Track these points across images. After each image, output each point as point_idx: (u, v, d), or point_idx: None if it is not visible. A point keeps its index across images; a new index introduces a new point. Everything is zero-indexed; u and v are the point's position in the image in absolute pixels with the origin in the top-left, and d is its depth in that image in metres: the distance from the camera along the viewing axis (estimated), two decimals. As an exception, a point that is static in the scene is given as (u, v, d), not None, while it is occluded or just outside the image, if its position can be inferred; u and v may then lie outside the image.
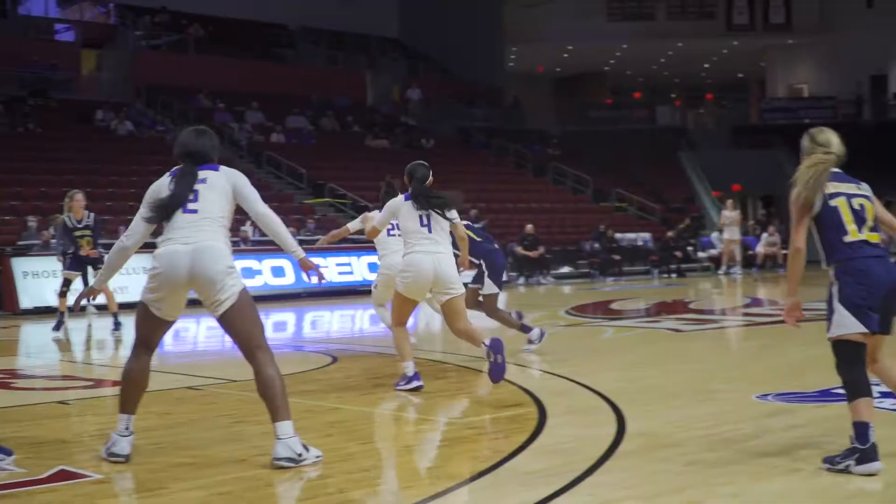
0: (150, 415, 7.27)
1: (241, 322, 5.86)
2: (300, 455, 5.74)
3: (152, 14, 37.58)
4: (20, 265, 19.65)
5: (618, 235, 30.95)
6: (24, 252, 20.36)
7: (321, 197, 29.77)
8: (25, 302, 19.27)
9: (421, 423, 6.92)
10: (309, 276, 6.34)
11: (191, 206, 5.94)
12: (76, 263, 14.69)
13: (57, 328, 14.57)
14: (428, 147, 36.36)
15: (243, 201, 6.09)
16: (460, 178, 32.85)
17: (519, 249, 27.20)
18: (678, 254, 30.01)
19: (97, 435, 6.73)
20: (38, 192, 24.74)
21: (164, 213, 5.96)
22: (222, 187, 6.04)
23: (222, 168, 6.16)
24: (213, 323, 16.01)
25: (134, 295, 19.38)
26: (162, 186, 6.09)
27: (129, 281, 18.22)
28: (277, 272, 22.14)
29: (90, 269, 14.72)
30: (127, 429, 5.98)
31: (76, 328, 16.18)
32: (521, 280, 27.07)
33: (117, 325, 14.62)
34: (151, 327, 6.04)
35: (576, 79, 48.25)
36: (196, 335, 15.98)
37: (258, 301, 6.23)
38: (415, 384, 8.43)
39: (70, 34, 37.36)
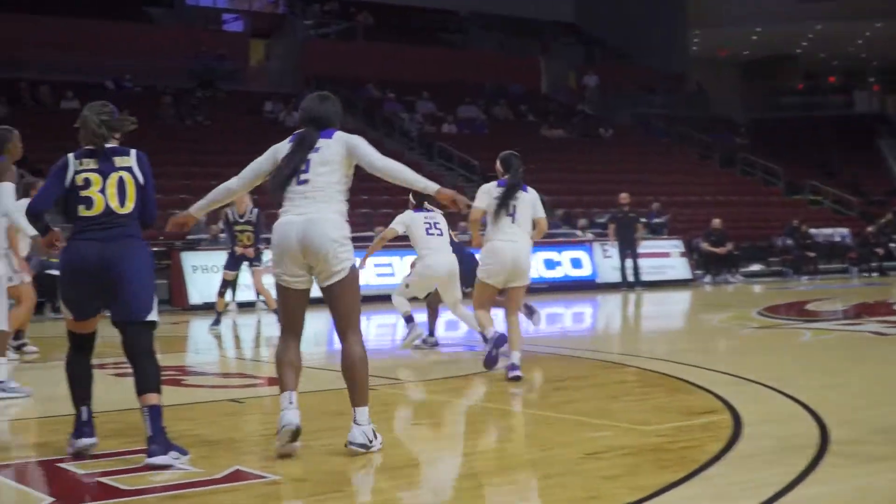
0: (322, 415, 7.38)
1: (343, 298, 6.18)
2: (371, 442, 6.08)
3: (321, 2, 38.34)
4: (189, 259, 20.31)
5: (812, 231, 30.13)
6: (193, 246, 21.03)
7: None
8: (194, 297, 19.90)
9: (603, 430, 6.83)
10: (447, 206, 6.43)
11: (303, 176, 6.23)
12: (232, 261, 15.08)
13: (215, 324, 15.04)
14: (606, 136, 36.07)
15: (360, 160, 6.29)
16: (640, 170, 32.48)
17: (705, 245, 26.72)
18: (879, 251, 29.04)
19: (270, 434, 6.87)
20: (207, 184, 25.39)
21: (276, 184, 6.27)
22: (336, 153, 6.28)
23: (337, 133, 6.35)
24: (383, 320, 16.27)
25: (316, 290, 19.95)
26: (279, 150, 6.41)
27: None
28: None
29: (245, 266, 15.12)
30: (290, 402, 6.20)
31: (245, 324, 16.63)
32: (708, 278, 26.59)
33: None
34: (290, 305, 6.33)
35: (764, 63, 47.16)
36: (367, 332, 16.21)
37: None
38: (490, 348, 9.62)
39: (238, 24, 38.44)
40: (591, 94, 40.18)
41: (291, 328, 6.39)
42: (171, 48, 32.70)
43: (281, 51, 37.31)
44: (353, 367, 6.22)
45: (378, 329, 16.36)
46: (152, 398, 6.07)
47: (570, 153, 33.68)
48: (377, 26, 38.07)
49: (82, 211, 6.16)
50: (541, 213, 9.60)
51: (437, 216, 11.72)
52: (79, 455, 6.18)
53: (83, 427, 6.23)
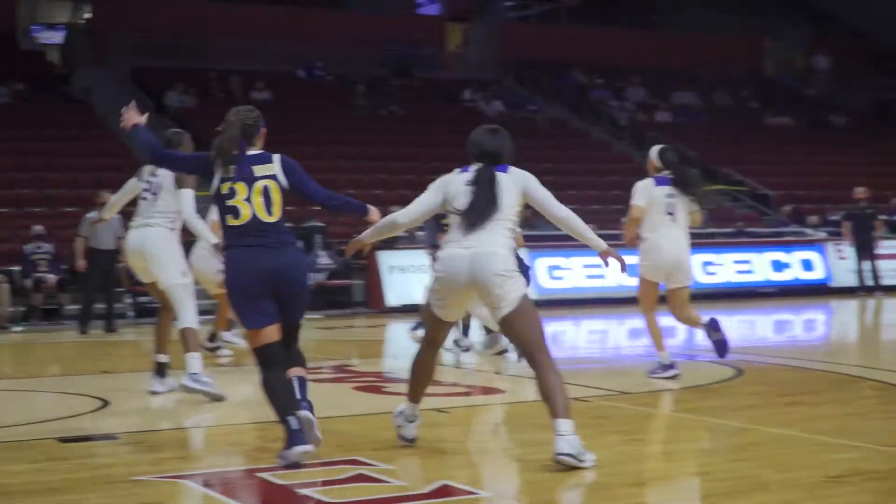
0: (538, 427, 7.37)
1: (518, 328, 6.54)
2: (580, 454, 6.21)
3: (523, -18, 38.42)
4: (386, 259, 20.59)
5: None
6: (391, 245, 21.31)
7: (714, 183, 29.35)
8: (392, 299, 20.16)
9: (847, 451, 6.63)
10: (607, 264, 6.83)
11: (476, 207, 6.61)
12: None
13: (417, 328, 15.16)
14: (839, 124, 35.06)
15: (535, 202, 6.73)
16: (877, 161, 31.45)
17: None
18: None
19: (477, 448, 6.91)
20: (405, 179, 25.85)
21: (473, 221, 6.58)
22: (510, 189, 6.66)
23: (511, 169, 6.75)
24: (594, 326, 16.17)
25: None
26: (453, 183, 6.79)
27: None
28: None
29: None
30: (413, 415, 6.93)
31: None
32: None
33: (488, 329, 14.99)
34: (436, 326, 6.87)
35: None
36: (575, 339, 16.18)
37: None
38: (671, 373, 9.98)
39: (434, 7, 38.83)
40: (822, 77, 39.10)
41: (432, 342, 6.97)
42: (364, 35, 33.22)
43: (479, 35, 37.51)
44: (550, 389, 6.46)
45: (589, 335, 16.33)
46: (300, 371, 6.94)
47: (797, 143, 32.85)
48: (583, 7, 37.91)
49: (230, 220, 6.68)
50: (695, 206, 10.03)
51: None
52: (292, 465, 6.34)
53: (295, 435, 6.44)
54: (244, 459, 6.91)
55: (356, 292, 21.02)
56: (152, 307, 10.10)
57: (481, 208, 6.58)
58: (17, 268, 18.81)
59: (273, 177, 6.75)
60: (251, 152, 6.83)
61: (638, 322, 17.53)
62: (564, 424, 6.27)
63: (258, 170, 6.74)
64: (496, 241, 6.54)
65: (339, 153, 26.69)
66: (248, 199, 6.66)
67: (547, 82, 34.51)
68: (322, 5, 34.69)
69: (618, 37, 36.39)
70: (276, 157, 6.85)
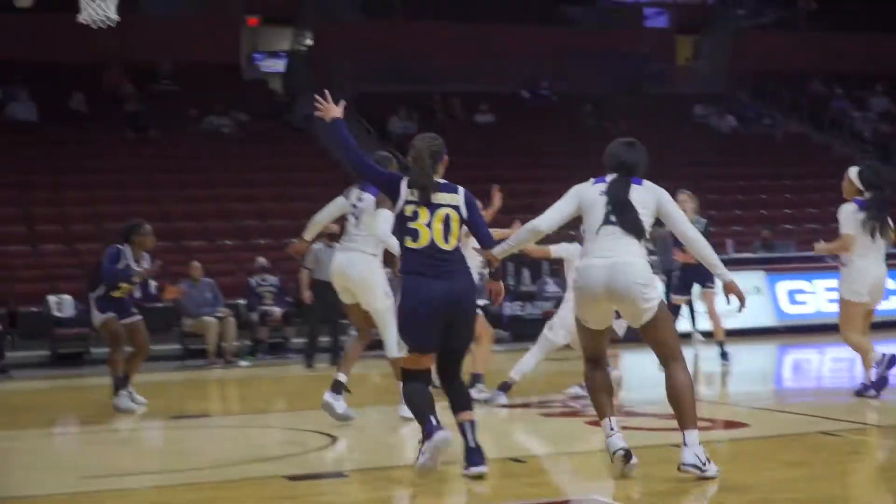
0: (781, 464, 7.18)
1: (656, 334, 7.01)
2: (704, 465, 6.80)
3: (756, -12, 37.66)
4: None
5: None
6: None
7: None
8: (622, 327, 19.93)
9: None
10: (729, 300, 7.15)
11: (612, 217, 7.02)
12: (681, 284, 14.95)
13: None
14: None
15: (667, 217, 7.15)
16: None
17: None
18: None
19: (721, 486, 6.77)
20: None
21: (594, 226, 7.07)
22: (644, 202, 7.07)
23: (646, 183, 7.18)
24: (840, 354, 15.68)
25: (747, 320, 19.49)
26: (588, 192, 7.20)
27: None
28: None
29: (698, 287, 14.90)
30: (612, 429, 7.20)
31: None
32: None
33: (724, 356, 14.72)
34: (589, 338, 7.28)
35: None
36: (820, 368, 15.75)
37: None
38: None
39: (662, 19, 38.48)
40: None
41: (592, 358, 7.31)
42: (590, 50, 33.13)
43: (710, 47, 37.00)
44: (678, 394, 6.99)
45: (833, 363, 15.84)
46: (470, 415, 7.27)
47: None
48: (821, 11, 36.95)
49: (409, 242, 7.20)
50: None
51: None
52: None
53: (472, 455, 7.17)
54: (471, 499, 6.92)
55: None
56: (377, 340, 10.22)
57: (618, 218, 7.01)
58: (242, 301, 19.31)
59: (456, 207, 7.29)
60: (439, 180, 7.35)
61: (887, 349, 16.93)
62: (690, 435, 6.88)
63: (443, 198, 7.29)
64: (632, 251, 6.97)
65: (566, 175, 26.53)
66: (429, 225, 7.19)
67: (784, 94, 33.74)
68: (546, 23, 34.81)
69: (860, 42, 35.27)
70: (461, 190, 7.40)
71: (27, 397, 13.82)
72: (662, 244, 15.83)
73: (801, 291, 20.52)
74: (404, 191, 7.26)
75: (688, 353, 16.51)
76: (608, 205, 7.03)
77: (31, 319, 18.67)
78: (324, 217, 10.44)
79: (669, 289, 15.60)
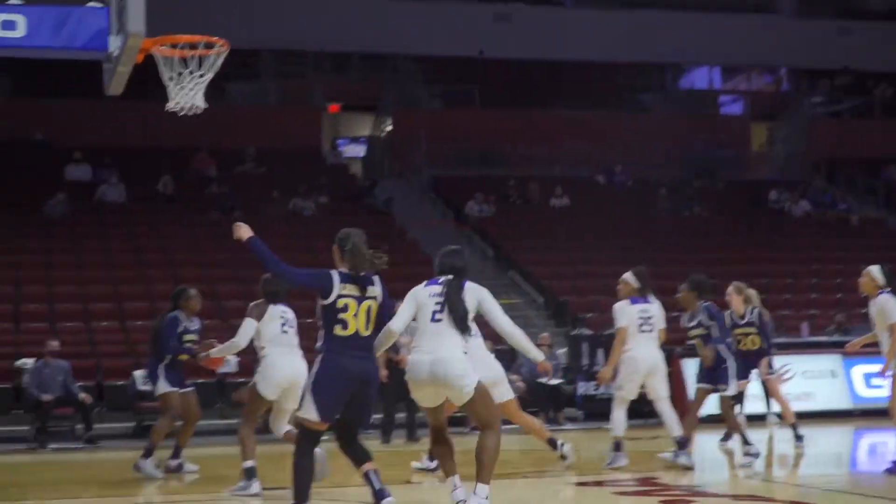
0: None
1: (475, 407, 8.38)
2: None
3: (831, 76, 37.49)
4: (691, 367, 20.23)
5: None
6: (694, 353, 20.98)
7: None
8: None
9: None
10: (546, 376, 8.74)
11: (437, 316, 8.38)
12: (741, 370, 14.82)
13: (725, 439, 14.83)
14: None
15: (487, 315, 8.46)
16: None
17: None
18: None
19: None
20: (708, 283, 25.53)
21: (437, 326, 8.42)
22: (469, 301, 8.39)
23: (470, 284, 8.48)
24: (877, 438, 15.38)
25: (822, 403, 19.22)
26: (421, 293, 8.57)
27: (814, 387, 18.15)
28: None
29: (755, 371, 14.78)
30: (456, 486, 8.59)
31: (758, 440, 16.36)
32: None
33: (799, 438, 14.55)
34: (429, 413, 8.76)
35: None
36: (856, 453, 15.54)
37: None
38: None
39: (737, 106, 38.52)
40: None
41: (436, 429, 8.84)
42: (665, 137, 33.17)
43: (785, 133, 36.90)
44: (481, 452, 8.31)
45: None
46: (373, 464, 8.22)
47: None
48: (896, 99, 36.79)
49: (338, 330, 8.03)
50: None
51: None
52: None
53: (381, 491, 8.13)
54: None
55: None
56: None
57: (449, 316, 8.28)
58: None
59: (375, 297, 8.18)
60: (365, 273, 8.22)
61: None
62: (481, 488, 8.17)
63: (369, 290, 8.19)
64: (453, 345, 8.28)
65: (640, 258, 26.51)
66: (355, 315, 8.07)
67: (859, 180, 33.53)
68: (622, 109, 34.99)
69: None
70: (377, 279, 8.25)
71: (114, 466, 13.99)
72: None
73: (876, 375, 20.18)
74: (337, 284, 8.09)
75: (762, 434, 16.39)
76: (437, 304, 8.32)
77: (117, 392, 19.10)
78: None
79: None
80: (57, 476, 13.62)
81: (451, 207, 29.55)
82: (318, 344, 8.42)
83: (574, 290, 24.67)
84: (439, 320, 8.25)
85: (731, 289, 14.56)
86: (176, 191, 27.67)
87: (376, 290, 8.22)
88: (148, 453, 12.14)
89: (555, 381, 19.67)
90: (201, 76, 10.09)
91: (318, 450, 11.11)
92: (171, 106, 10.24)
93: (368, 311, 8.12)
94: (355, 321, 8.05)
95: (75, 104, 28.54)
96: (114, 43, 9.16)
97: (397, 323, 8.33)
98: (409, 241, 26.94)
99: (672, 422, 12.11)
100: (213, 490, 11.33)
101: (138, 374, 18.25)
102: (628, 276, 12.36)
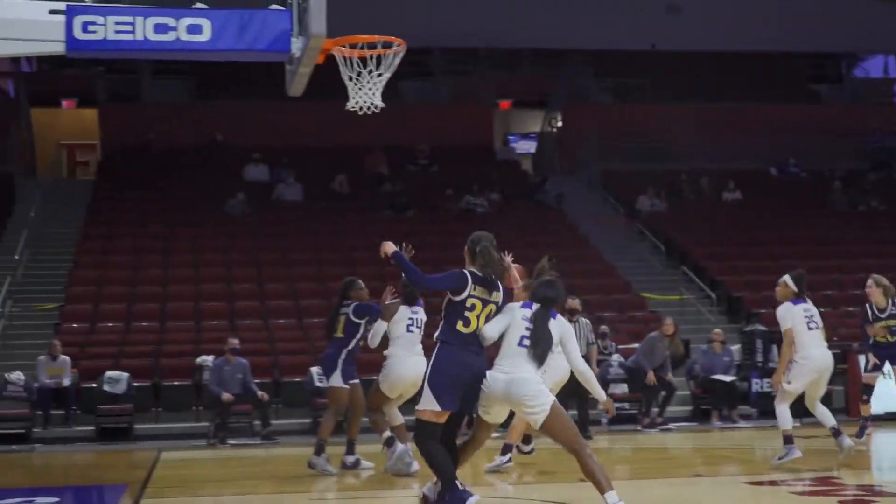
0: None
1: (553, 430, 8.23)
2: None
3: None
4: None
5: None
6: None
7: None
8: (874, 406, 19.28)
9: None
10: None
11: (524, 341, 8.36)
12: (880, 359, 14.46)
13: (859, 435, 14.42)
14: None
15: (563, 348, 8.49)
16: None
17: None
18: None
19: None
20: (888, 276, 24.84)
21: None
22: (553, 333, 8.42)
23: (558, 317, 8.50)
24: None
25: None
26: (516, 311, 8.57)
27: None
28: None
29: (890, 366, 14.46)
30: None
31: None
32: None
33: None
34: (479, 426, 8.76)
35: None
36: None
37: None
38: None
39: (914, 95, 37.47)
40: None
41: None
42: (841, 128, 32.41)
43: (966, 121, 35.73)
44: (590, 474, 8.11)
45: None
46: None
47: None
48: None
49: (460, 326, 8.37)
50: None
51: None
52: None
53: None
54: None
55: (836, 398, 20.25)
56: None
57: (532, 343, 8.31)
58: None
59: (497, 303, 8.52)
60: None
61: None
62: (610, 496, 7.89)
63: (494, 295, 8.52)
64: (528, 368, 8.27)
65: (815, 252, 26.02)
66: (478, 316, 8.42)
67: None
68: (795, 100, 34.30)
69: None
70: (501, 287, 8.62)
71: (290, 462, 14.18)
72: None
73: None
74: (470, 284, 8.42)
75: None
76: (526, 329, 8.35)
77: (294, 389, 19.43)
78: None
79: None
80: (235, 472, 13.84)
81: (622, 203, 29.34)
82: (437, 335, 8.49)
83: (747, 285, 24.24)
84: (525, 346, 8.35)
85: (870, 281, 14.48)
86: (351, 189, 28.04)
87: (500, 295, 8.58)
88: (319, 450, 12.21)
89: (728, 378, 19.37)
90: (379, 76, 10.19)
91: (402, 446, 11.68)
92: (350, 105, 10.35)
93: (490, 313, 8.48)
94: (477, 321, 8.41)
95: (254, 105, 29.19)
96: (296, 44, 9.33)
97: (492, 330, 8.47)
98: (580, 237, 26.84)
99: (827, 416, 12.29)
100: (388, 486, 11.43)
101: (315, 370, 18.51)
102: (787, 278, 12.16)
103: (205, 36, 9.27)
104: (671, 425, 18.44)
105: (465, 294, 8.40)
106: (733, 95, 32.98)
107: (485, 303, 8.45)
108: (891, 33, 33.74)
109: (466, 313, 8.40)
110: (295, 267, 24.38)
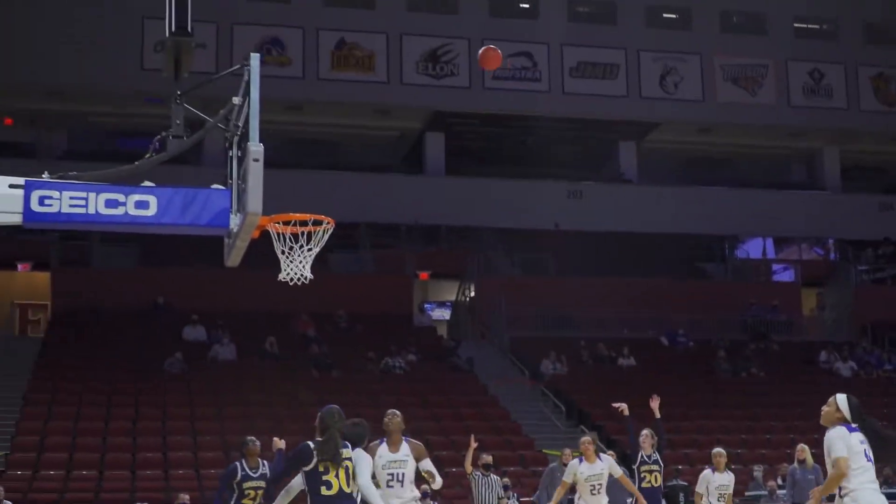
0: None
1: None
2: None
3: (874, 246, 37.42)
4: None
5: None
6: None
7: None
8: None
9: None
10: None
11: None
12: None
13: None
14: None
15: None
16: None
17: None
18: None
19: None
20: (763, 439, 25.20)
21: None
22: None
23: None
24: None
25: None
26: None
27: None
28: None
29: None
30: None
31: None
32: None
33: None
34: None
35: None
36: None
37: None
38: None
39: (789, 274, 38.37)
40: None
41: None
42: (724, 302, 33.15)
43: (834, 299, 36.67)
44: None
45: None
46: None
47: None
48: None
49: (323, 490, 8.36)
50: None
51: None
52: None
53: None
54: None
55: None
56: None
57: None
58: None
59: (350, 458, 8.63)
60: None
61: None
62: None
63: (344, 453, 8.57)
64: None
65: (704, 414, 26.40)
66: (336, 476, 8.43)
67: (898, 342, 33.16)
68: (682, 278, 34.98)
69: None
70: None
71: None
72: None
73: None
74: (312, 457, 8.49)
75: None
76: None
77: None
78: None
79: None
80: None
81: (528, 366, 29.54)
82: None
83: (641, 443, 24.37)
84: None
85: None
86: (280, 350, 27.99)
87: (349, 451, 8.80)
88: None
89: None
90: (310, 250, 10.34)
91: None
92: (282, 276, 10.47)
93: (347, 471, 8.60)
94: (336, 481, 8.50)
95: (194, 272, 29.19)
96: (234, 221, 9.44)
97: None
98: (489, 398, 26.93)
99: None
100: None
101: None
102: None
103: (151, 211, 9.37)
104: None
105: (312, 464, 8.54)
106: (629, 271, 33.59)
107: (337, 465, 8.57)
108: (769, 218, 34.75)
109: (324, 477, 8.52)
110: (227, 421, 24.13)
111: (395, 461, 10.14)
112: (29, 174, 8.99)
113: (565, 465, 18.62)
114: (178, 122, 9.21)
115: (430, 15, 34.53)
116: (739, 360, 30.80)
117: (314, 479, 8.46)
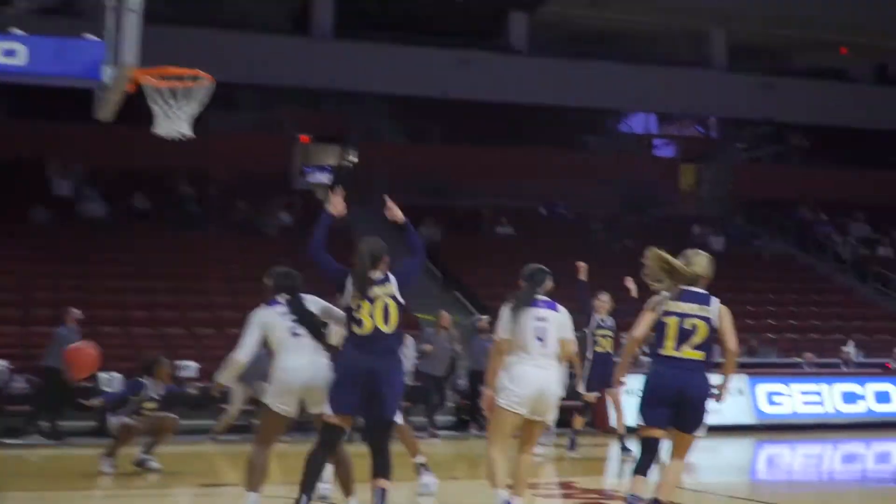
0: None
1: None
2: None
3: (754, 126, 38.18)
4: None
5: None
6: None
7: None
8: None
9: None
10: None
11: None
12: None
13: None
14: None
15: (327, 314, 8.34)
16: None
17: None
18: None
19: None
20: (637, 306, 25.89)
21: None
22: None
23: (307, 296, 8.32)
24: (811, 451, 15.76)
25: (728, 418, 19.62)
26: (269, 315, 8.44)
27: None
28: (881, 397, 21.23)
29: None
30: None
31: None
32: None
33: (625, 449, 14.84)
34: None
35: None
36: (792, 463, 15.90)
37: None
38: None
39: (669, 149, 39.08)
40: None
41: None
42: (602, 175, 33.61)
43: (711, 175, 37.50)
44: None
45: (805, 459, 15.95)
46: (385, 483, 7.69)
47: None
48: (812, 149, 37.50)
49: (354, 329, 7.82)
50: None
51: None
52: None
53: None
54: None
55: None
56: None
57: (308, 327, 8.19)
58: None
59: (392, 296, 8.02)
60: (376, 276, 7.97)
61: (853, 447, 17.06)
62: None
63: (379, 290, 7.94)
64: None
65: (573, 284, 26.93)
66: (371, 314, 7.84)
67: (774, 219, 34.16)
68: (563, 147, 35.35)
69: (842, 176, 35.74)
70: (392, 277, 8.13)
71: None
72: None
73: (778, 394, 20.70)
74: (349, 286, 7.95)
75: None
76: (291, 322, 8.32)
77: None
78: None
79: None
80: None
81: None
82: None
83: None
84: (298, 334, 8.08)
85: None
86: (153, 207, 27.73)
87: (391, 286, 8.27)
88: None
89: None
90: (189, 108, 10.28)
91: None
92: (158, 131, 10.36)
93: (385, 308, 8.09)
94: (371, 319, 7.94)
95: (65, 127, 28.50)
96: (108, 73, 9.36)
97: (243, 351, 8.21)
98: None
99: None
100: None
101: (103, 376, 18.06)
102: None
103: (20, 60, 9.25)
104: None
105: (347, 297, 7.98)
106: (512, 141, 33.82)
107: (371, 300, 7.97)
108: (653, 94, 35.07)
109: (356, 314, 7.94)
110: (92, 279, 23.97)
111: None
112: None
113: (444, 328, 19.26)
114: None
115: None
116: (616, 232, 31.41)
117: (348, 318, 7.97)
